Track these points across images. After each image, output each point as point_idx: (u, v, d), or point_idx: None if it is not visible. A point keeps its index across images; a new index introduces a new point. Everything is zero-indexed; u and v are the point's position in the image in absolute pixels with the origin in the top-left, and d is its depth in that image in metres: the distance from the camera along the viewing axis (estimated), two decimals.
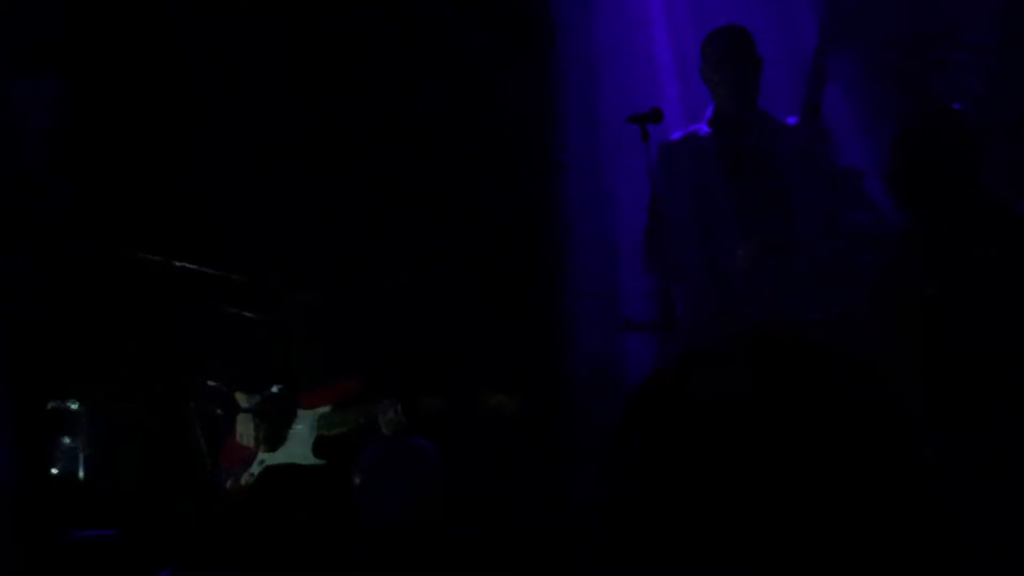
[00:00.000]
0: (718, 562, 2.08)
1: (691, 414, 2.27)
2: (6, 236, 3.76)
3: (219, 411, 3.78)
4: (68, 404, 3.93)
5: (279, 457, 3.82)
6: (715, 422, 2.28)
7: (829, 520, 2.16)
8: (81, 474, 3.89)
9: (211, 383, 3.92)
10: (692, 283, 3.64)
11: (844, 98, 3.72)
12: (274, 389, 3.94)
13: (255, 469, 3.81)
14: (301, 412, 3.84)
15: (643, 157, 3.51)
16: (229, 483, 3.77)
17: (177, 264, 3.79)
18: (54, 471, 3.89)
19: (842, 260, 3.63)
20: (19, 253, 3.79)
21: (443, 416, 3.89)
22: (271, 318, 3.92)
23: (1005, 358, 3.70)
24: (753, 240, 3.51)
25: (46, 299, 3.85)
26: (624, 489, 2.13)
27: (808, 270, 3.57)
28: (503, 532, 2.83)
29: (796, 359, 2.47)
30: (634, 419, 2.19)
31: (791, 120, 3.63)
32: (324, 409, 3.83)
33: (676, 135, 3.75)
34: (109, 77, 4.49)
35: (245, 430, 3.84)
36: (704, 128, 3.61)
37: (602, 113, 4.33)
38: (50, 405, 3.92)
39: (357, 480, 3.79)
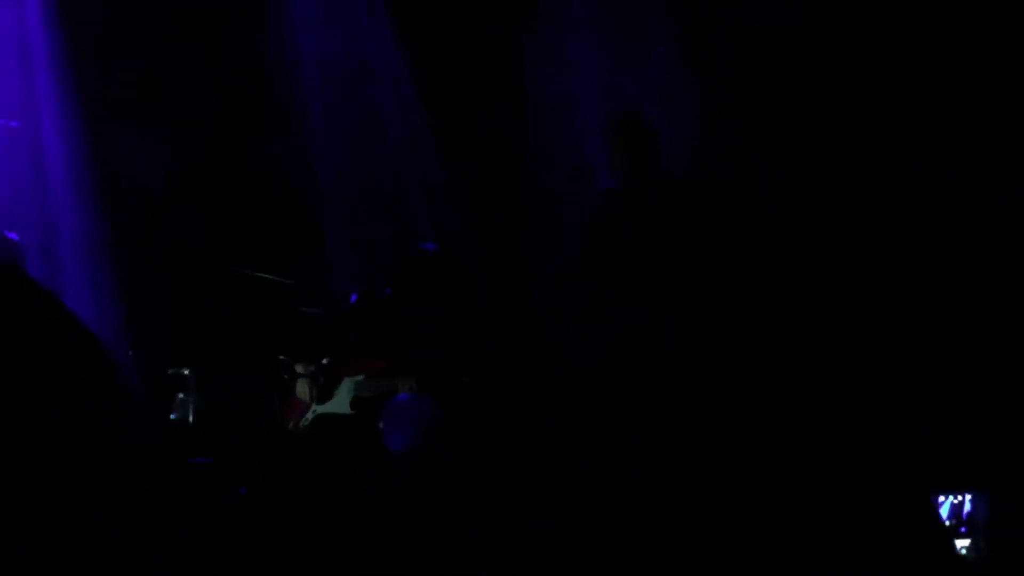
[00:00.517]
0: (717, 562, 2.09)
1: (693, 416, 2.34)
2: (137, 255, 5.32)
3: (286, 376, 5.30)
4: (183, 370, 5.46)
5: (326, 409, 5.25)
6: (717, 424, 2.33)
7: (828, 519, 2.17)
8: (191, 419, 5.44)
9: (281, 356, 5.45)
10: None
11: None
12: (324, 362, 5.47)
13: (309, 416, 5.30)
14: (344, 379, 5.30)
15: None
16: (291, 425, 5.30)
17: (259, 275, 5.39)
18: (172, 417, 5.44)
19: None
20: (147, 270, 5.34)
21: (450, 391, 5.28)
22: (324, 314, 5.44)
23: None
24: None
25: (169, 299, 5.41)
26: (624, 489, 2.19)
27: None
28: (503, 532, 2.77)
29: (796, 362, 2.61)
30: (634, 419, 2.29)
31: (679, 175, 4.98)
32: (359, 377, 5.25)
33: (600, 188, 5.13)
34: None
35: (303, 389, 5.35)
36: (615, 187, 4.91)
37: None
38: (169, 371, 5.49)
39: (381, 425, 5.29)
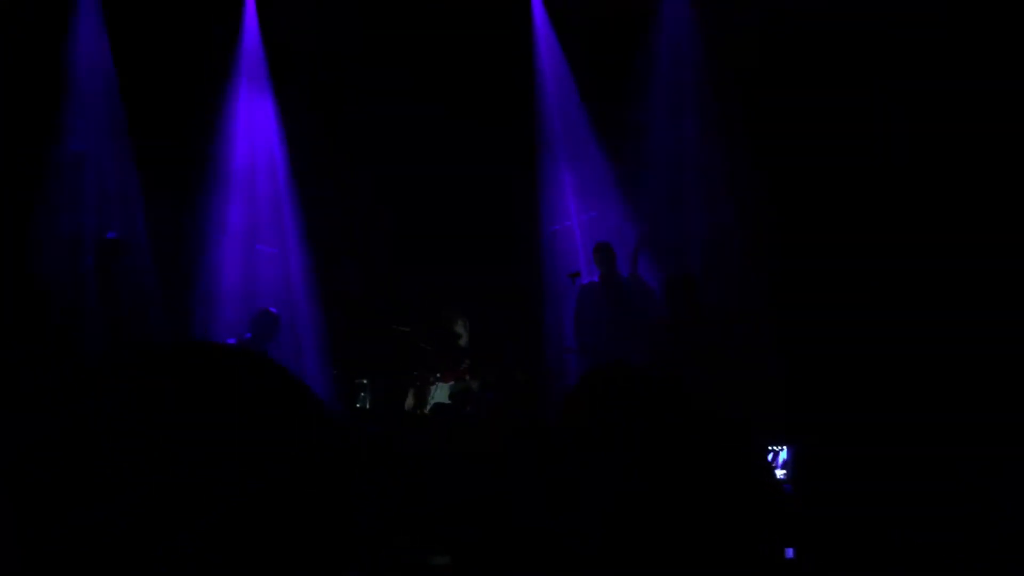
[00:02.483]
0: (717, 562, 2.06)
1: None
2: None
3: (417, 382, 9.81)
4: (362, 380, 10.02)
5: (437, 399, 9.78)
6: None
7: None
8: (367, 405, 9.95)
9: (415, 372, 9.95)
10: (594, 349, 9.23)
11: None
12: (438, 375, 9.94)
13: (430, 405, 9.83)
14: (443, 385, 9.86)
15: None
16: (419, 409, 9.83)
17: (395, 327, 9.98)
18: (357, 405, 9.92)
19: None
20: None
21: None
22: (436, 348, 9.93)
23: None
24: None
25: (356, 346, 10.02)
26: (624, 489, 2.13)
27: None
28: (503, 532, 2.68)
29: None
30: (634, 419, 2.18)
31: (625, 274, 9.34)
32: (452, 382, 9.79)
33: (586, 281, 9.57)
34: None
35: (428, 390, 9.88)
36: (596, 281, 9.37)
37: None
38: (355, 380, 10.03)
39: (468, 409, 9.77)
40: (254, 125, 10.38)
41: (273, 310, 9.62)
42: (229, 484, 1.79)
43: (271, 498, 1.78)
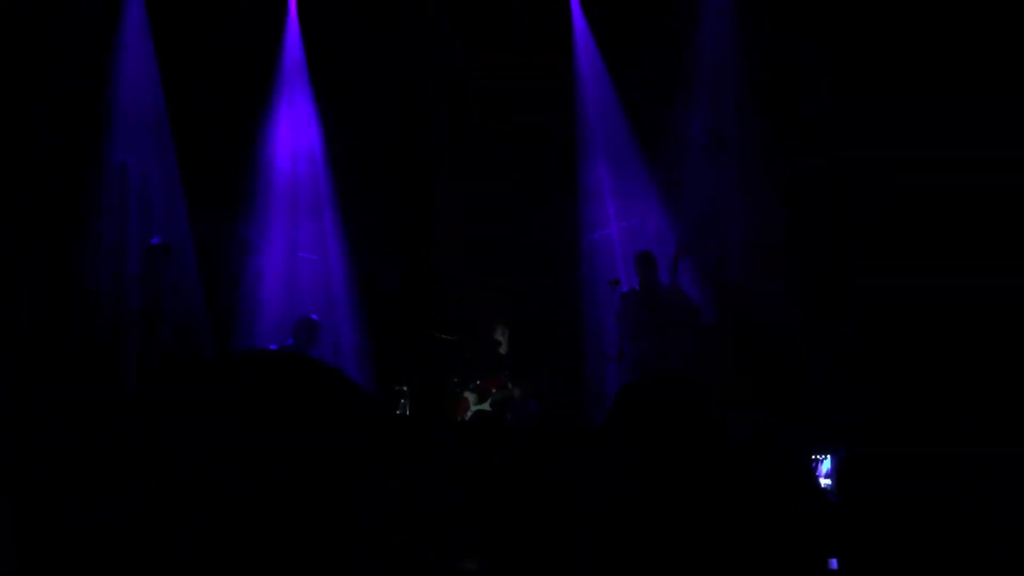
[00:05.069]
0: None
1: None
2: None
3: (457, 389, 9.79)
4: (403, 387, 10.02)
5: (479, 407, 9.78)
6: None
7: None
8: (407, 411, 9.95)
9: (455, 379, 9.95)
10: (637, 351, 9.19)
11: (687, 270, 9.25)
12: (478, 382, 9.95)
13: (471, 412, 9.85)
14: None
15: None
16: (459, 416, 9.81)
17: (439, 335, 9.96)
18: (397, 411, 9.94)
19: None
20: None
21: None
22: (477, 356, 9.90)
23: None
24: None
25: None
26: (624, 489, 2.14)
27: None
28: (503, 533, 2.75)
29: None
30: (634, 420, 2.21)
31: (666, 282, 9.23)
32: (494, 391, 9.80)
33: (626, 288, 9.47)
34: None
35: (468, 397, 9.88)
36: (637, 289, 9.24)
37: None
38: (396, 387, 10.03)
39: (509, 416, 9.75)
40: (296, 131, 10.44)
41: (314, 316, 9.66)
42: (229, 484, 1.73)
43: (271, 498, 1.75)
